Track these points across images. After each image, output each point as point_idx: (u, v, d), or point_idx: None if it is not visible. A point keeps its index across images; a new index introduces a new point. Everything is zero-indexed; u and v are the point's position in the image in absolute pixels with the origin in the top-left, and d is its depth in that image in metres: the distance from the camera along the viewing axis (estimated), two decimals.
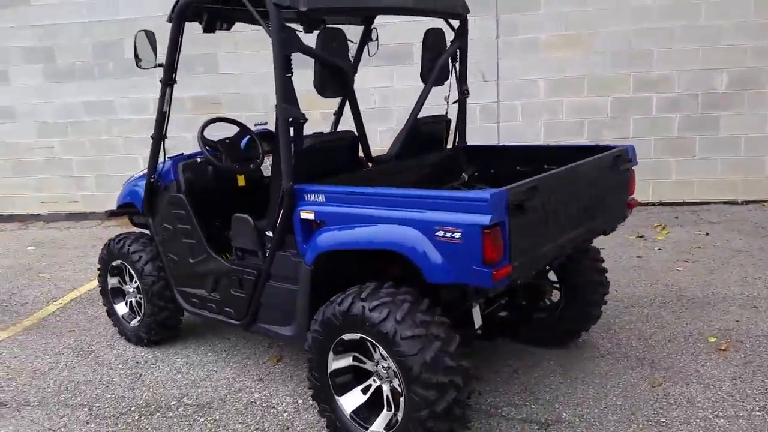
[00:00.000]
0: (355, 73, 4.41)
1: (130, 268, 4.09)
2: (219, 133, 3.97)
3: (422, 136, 3.88)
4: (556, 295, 3.73)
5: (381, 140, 7.35)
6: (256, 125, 4.19)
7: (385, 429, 2.73)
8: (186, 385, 3.66)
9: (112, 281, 4.30)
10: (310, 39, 3.08)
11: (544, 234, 2.71)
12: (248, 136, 4.06)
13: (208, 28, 3.44)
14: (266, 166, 4.03)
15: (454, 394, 2.54)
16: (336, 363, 2.84)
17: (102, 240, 6.23)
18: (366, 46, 4.31)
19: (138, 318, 4.17)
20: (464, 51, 3.92)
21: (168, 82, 3.52)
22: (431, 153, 3.93)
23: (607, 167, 3.14)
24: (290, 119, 2.91)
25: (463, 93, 3.97)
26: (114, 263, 4.20)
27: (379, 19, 6.31)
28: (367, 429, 2.78)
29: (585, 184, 2.98)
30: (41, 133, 8.11)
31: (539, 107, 7.10)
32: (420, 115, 3.97)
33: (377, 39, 4.31)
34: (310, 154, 3.14)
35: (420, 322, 2.56)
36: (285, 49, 2.85)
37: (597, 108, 6.98)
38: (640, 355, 3.66)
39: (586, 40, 6.84)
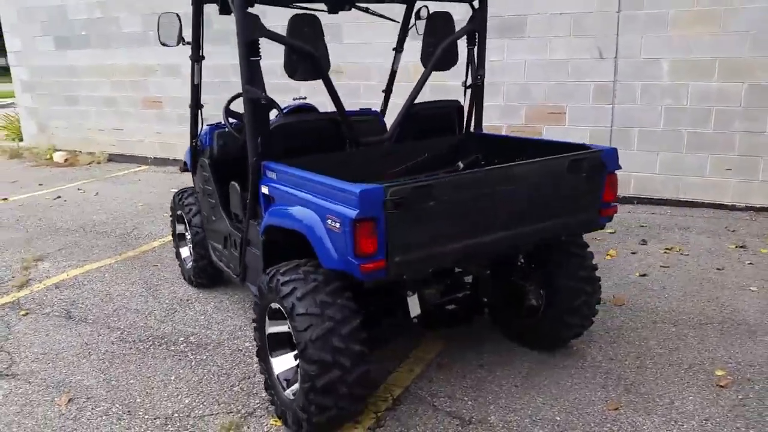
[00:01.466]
0: (401, 51, 4.50)
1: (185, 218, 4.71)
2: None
3: (427, 120, 3.88)
4: None
5: (487, 116, 7.25)
6: (294, 99, 4.49)
7: (293, 395, 2.96)
8: (202, 325, 4.19)
9: (180, 228, 4.97)
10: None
11: (445, 234, 2.68)
12: (286, 108, 4.37)
13: (224, 11, 3.78)
14: None
15: (338, 373, 2.67)
16: (272, 327, 3.11)
17: None
18: (414, 25, 4.35)
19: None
20: (482, 35, 3.80)
21: (196, 58, 3.95)
22: (435, 138, 3.91)
23: (557, 171, 2.94)
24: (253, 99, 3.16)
25: (477, 78, 3.87)
26: (178, 212, 4.86)
27: None
28: (284, 391, 3.03)
29: (514, 188, 2.84)
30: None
31: (661, 90, 6.43)
32: (436, 99, 3.99)
33: (428, 17, 4.31)
34: (286, 132, 3.37)
35: (319, 302, 2.72)
36: (247, 34, 3.06)
37: (728, 96, 6.14)
38: (624, 374, 3.39)
39: (722, 18, 6.00)
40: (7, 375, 3.65)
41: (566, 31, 6.69)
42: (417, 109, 3.83)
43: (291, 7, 3.99)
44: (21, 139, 11.48)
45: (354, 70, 7.96)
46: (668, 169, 6.57)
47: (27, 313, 4.47)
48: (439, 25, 3.67)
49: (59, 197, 7.96)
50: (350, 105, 7.40)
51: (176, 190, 4.94)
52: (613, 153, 3.10)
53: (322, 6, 3.99)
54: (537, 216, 2.96)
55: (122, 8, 9.54)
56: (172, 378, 3.55)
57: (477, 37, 3.82)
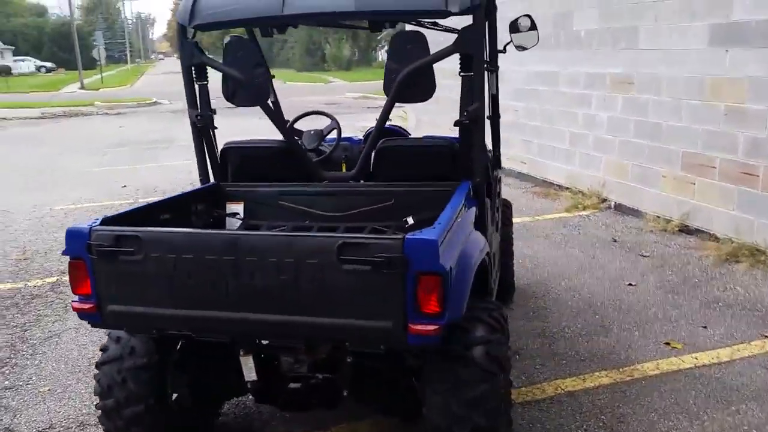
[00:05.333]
0: (494, 70, 3.91)
1: None
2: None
3: (409, 160, 3.13)
4: None
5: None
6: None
7: None
8: None
9: None
10: None
11: (158, 295, 2.28)
12: (369, 130, 3.97)
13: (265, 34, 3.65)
14: None
15: (112, 403, 2.60)
16: None
17: None
18: (510, 41, 3.74)
19: None
20: (479, 59, 2.70)
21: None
22: (414, 182, 3.09)
23: (318, 255, 2.08)
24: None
25: (464, 115, 2.74)
26: None
27: None
28: None
29: (253, 261, 2.15)
30: (513, 97, 8.80)
31: None
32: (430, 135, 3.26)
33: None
34: (235, 155, 3.33)
35: (122, 333, 2.64)
36: (186, 60, 3.06)
37: None
38: None
39: None
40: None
41: None
42: (394, 145, 3.15)
43: (324, 26, 3.66)
44: None
45: (645, 82, 6.35)
46: None
47: None
48: (406, 48, 2.82)
49: None
50: (636, 122, 6.47)
51: None
52: (426, 246, 1.96)
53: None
54: (288, 307, 2.18)
55: None
56: None
57: (471, 62, 2.70)
